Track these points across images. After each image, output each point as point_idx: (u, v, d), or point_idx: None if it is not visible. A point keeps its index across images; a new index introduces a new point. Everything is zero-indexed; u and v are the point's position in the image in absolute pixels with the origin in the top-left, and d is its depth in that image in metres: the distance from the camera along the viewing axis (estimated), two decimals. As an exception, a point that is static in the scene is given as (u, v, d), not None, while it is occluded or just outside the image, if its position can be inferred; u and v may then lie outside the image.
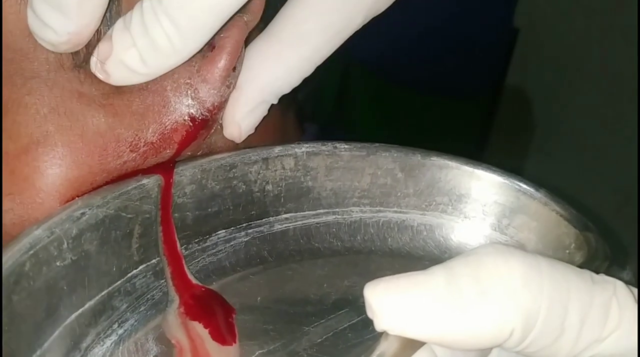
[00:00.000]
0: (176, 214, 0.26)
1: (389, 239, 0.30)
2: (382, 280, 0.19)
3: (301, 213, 0.29)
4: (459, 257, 0.19)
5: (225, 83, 0.26)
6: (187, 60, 0.25)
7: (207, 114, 0.26)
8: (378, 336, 0.24)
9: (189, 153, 0.27)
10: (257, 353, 0.24)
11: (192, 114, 0.26)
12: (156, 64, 0.24)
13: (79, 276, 0.23)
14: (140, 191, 0.25)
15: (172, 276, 0.25)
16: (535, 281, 0.19)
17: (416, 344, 0.19)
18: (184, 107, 0.26)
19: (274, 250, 0.28)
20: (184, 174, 0.26)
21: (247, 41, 0.27)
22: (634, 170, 0.87)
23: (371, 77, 0.96)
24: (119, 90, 0.25)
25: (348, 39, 0.27)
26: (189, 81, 0.26)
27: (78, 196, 0.25)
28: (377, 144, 0.29)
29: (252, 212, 0.28)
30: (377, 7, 0.26)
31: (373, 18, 0.27)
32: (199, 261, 0.27)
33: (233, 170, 0.27)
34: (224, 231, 0.28)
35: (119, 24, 0.24)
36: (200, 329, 0.24)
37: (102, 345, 0.23)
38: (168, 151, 0.26)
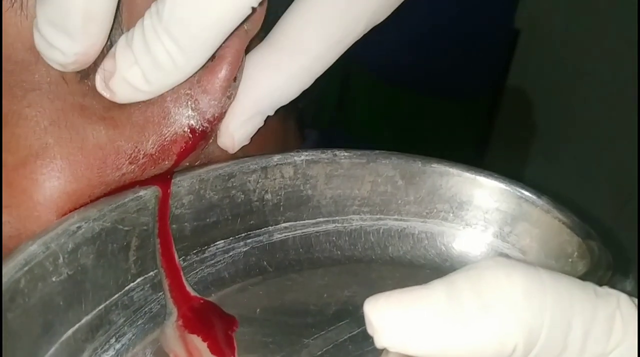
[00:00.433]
0: (174, 225, 0.26)
1: (390, 248, 0.29)
2: (382, 295, 0.19)
3: (301, 222, 0.29)
4: (460, 270, 0.19)
5: (226, 94, 0.26)
6: None
7: (207, 125, 0.26)
8: (379, 349, 0.24)
9: (187, 163, 0.27)
10: None
11: (192, 125, 0.26)
12: (159, 82, 0.24)
13: (76, 290, 0.23)
14: (137, 203, 0.25)
15: (170, 288, 0.25)
16: (538, 295, 0.18)
17: (417, 360, 0.19)
18: (184, 118, 0.26)
19: (274, 260, 0.28)
20: (182, 184, 0.26)
21: (247, 50, 0.27)
22: (634, 171, 0.86)
23: (372, 78, 0.96)
24: (120, 103, 0.25)
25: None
26: (189, 92, 0.25)
27: (75, 209, 0.24)
28: (377, 152, 0.29)
29: (251, 222, 0.28)
30: (377, 16, 0.26)
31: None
32: (197, 272, 0.27)
33: (231, 179, 0.27)
34: (222, 241, 0.27)
35: (121, 41, 0.24)
36: (198, 342, 0.24)
37: None
38: (167, 163, 0.26)
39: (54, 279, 0.22)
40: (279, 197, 0.28)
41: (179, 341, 0.24)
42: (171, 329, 0.24)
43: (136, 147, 0.25)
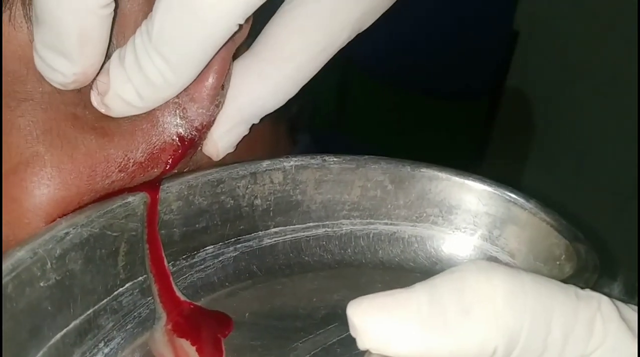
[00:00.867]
0: (163, 231, 0.26)
1: (380, 252, 0.29)
2: (366, 298, 0.19)
3: (290, 227, 0.29)
4: (443, 274, 0.19)
5: (214, 102, 0.26)
6: None
7: (195, 133, 0.26)
8: (362, 351, 0.24)
9: (175, 170, 0.27)
10: None
11: (180, 133, 0.26)
12: (152, 98, 0.24)
13: (64, 295, 0.23)
14: (125, 209, 0.25)
15: (159, 293, 0.25)
16: (518, 298, 0.18)
17: (400, 362, 0.19)
18: (173, 126, 0.26)
19: (263, 265, 0.28)
20: (171, 190, 0.26)
21: (234, 57, 0.27)
22: (634, 172, 0.86)
23: (371, 80, 0.96)
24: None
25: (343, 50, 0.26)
26: (177, 101, 0.26)
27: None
28: (366, 157, 0.29)
29: (241, 227, 0.28)
30: (361, 24, 0.26)
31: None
32: (186, 277, 0.27)
33: (220, 185, 0.27)
34: (212, 246, 0.28)
35: (114, 59, 0.24)
36: (187, 347, 0.24)
37: None
38: (156, 170, 0.26)
39: (41, 284, 0.22)
40: (268, 202, 0.29)
41: (168, 345, 0.24)
42: (160, 333, 0.24)
43: (126, 156, 0.26)
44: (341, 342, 0.25)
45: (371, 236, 0.30)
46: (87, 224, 0.24)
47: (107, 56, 0.24)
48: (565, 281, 0.20)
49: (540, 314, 0.18)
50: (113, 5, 0.23)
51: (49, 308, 0.22)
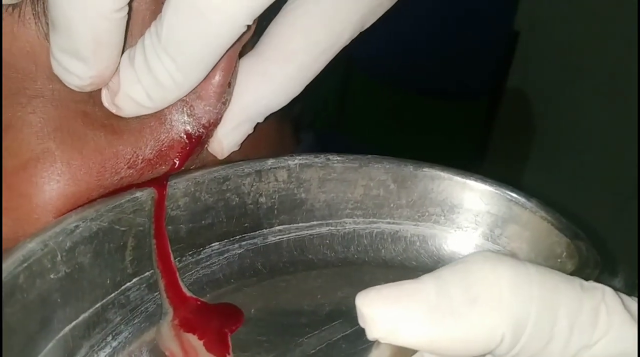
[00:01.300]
0: (170, 227, 0.26)
1: (383, 250, 0.30)
2: (374, 289, 0.19)
3: (295, 225, 0.29)
4: (449, 265, 0.20)
5: (221, 99, 0.26)
6: None
7: (203, 130, 0.27)
8: (371, 347, 0.24)
9: (183, 167, 0.27)
10: None
11: (188, 130, 0.26)
12: (161, 98, 0.25)
13: (73, 288, 0.23)
14: (133, 204, 0.25)
15: (166, 289, 0.26)
16: (524, 287, 0.19)
17: (408, 353, 0.19)
18: (180, 124, 0.26)
19: (268, 262, 0.28)
20: (177, 186, 0.26)
21: (241, 54, 0.27)
22: (634, 172, 0.87)
23: (372, 80, 0.97)
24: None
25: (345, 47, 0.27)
26: (184, 98, 0.26)
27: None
28: (369, 156, 0.30)
29: (246, 225, 0.28)
30: (364, 23, 0.26)
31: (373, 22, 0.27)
32: (192, 273, 0.27)
33: (226, 182, 0.28)
34: (217, 243, 0.28)
35: (124, 59, 0.25)
36: (194, 341, 0.24)
37: None
38: (164, 167, 0.27)
39: (52, 276, 0.22)
40: (273, 200, 0.29)
41: (175, 339, 0.24)
42: (167, 328, 0.25)
43: (135, 152, 0.26)
44: (346, 338, 0.26)
45: (374, 234, 0.30)
46: (96, 218, 0.24)
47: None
48: (565, 276, 0.20)
49: (546, 303, 0.19)
50: (126, 9, 0.23)
51: (59, 300, 0.22)
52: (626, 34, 0.97)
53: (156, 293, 0.26)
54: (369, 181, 0.30)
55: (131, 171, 0.26)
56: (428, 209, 0.30)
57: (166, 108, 0.26)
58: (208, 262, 0.27)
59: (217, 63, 0.26)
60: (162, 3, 0.23)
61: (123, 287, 0.25)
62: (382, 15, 0.27)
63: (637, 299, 0.20)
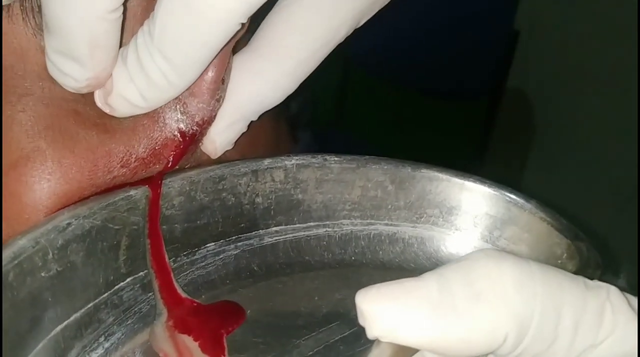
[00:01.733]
0: (164, 226, 0.26)
1: (380, 252, 0.29)
2: (374, 287, 0.19)
3: (291, 226, 0.29)
4: (451, 263, 0.19)
5: (215, 96, 0.26)
6: None
7: (196, 128, 0.26)
8: (370, 349, 0.24)
9: (177, 166, 0.27)
10: None
11: (181, 128, 0.26)
12: (155, 98, 0.24)
13: (65, 287, 0.22)
14: (127, 202, 0.25)
15: (160, 289, 0.25)
16: (528, 285, 0.18)
17: (409, 352, 0.19)
18: (174, 122, 0.26)
19: (264, 263, 0.28)
20: (172, 185, 0.26)
21: (234, 51, 0.27)
22: (634, 172, 0.87)
23: (371, 79, 0.97)
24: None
25: (345, 42, 0.26)
26: (177, 96, 0.26)
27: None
28: (367, 157, 0.29)
29: (242, 225, 0.28)
30: (360, 18, 0.26)
31: (372, 20, 0.27)
32: (187, 273, 0.27)
33: (222, 182, 0.27)
34: (213, 243, 0.27)
35: (117, 59, 0.24)
36: (189, 342, 0.24)
37: None
38: (158, 166, 0.26)
39: (43, 274, 0.22)
40: (269, 200, 0.28)
41: (169, 340, 0.24)
42: (161, 329, 0.24)
43: (128, 151, 0.25)
44: (344, 340, 0.25)
45: (372, 236, 0.29)
46: (89, 216, 0.23)
47: None
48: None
49: (550, 301, 0.18)
50: (121, 9, 0.22)
51: (50, 299, 0.22)
52: (626, 34, 0.98)
53: (150, 294, 0.25)
54: (367, 181, 0.29)
55: (124, 170, 0.25)
56: (426, 211, 0.29)
57: (160, 106, 0.26)
58: (203, 263, 0.27)
59: None
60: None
61: (116, 287, 0.24)
62: (380, 11, 0.27)
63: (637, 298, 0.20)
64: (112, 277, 0.24)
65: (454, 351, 0.18)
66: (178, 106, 0.26)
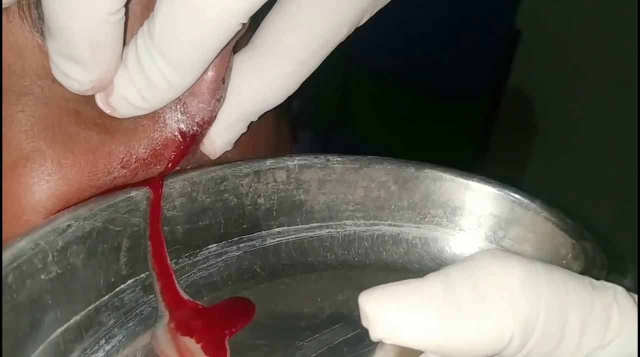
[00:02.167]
0: (166, 228, 0.26)
1: (384, 253, 0.29)
2: (377, 288, 0.19)
3: (294, 227, 0.29)
4: (456, 264, 0.19)
5: (215, 96, 0.26)
6: None
7: (197, 128, 0.26)
8: (374, 350, 0.23)
9: (178, 167, 0.27)
10: None
11: (182, 129, 0.26)
12: (155, 99, 0.24)
13: (65, 289, 0.22)
14: (128, 204, 0.24)
15: (161, 291, 0.25)
16: (533, 285, 0.18)
17: (413, 354, 0.19)
18: (174, 122, 0.26)
19: (267, 264, 0.28)
20: (174, 186, 0.26)
21: (234, 50, 0.26)
22: (634, 172, 0.87)
23: (372, 79, 0.96)
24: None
25: (346, 42, 0.26)
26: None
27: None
28: (369, 157, 0.29)
29: (244, 226, 0.28)
30: (361, 17, 0.26)
31: (373, 20, 0.26)
32: (189, 275, 0.26)
33: (224, 183, 0.27)
34: (215, 245, 0.27)
35: None
36: (191, 344, 0.23)
37: None
38: (158, 167, 0.26)
39: (42, 276, 0.21)
40: (271, 201, 0.28)
41: (171, 343, 0.23)
42: (162, 331, 0.24)
43: (128, 151, 0.25)
44: (347, 341, 0.25)
45: (375, 236, 0.29)
46: (90, 217, 0.23)
47: None
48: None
49: (556, 302, 0.18)
50: (123, 11, 0.22)
51: (50, 302, 0.22)
52: (626, 34, 0.97)
53: (151, 296, 0.25)
54: (370, 182, 0.29)
55: (125, 171, 0.25)
56: (430, 211, 0.29)
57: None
58: (205, 265, 0.27)
59: None
60: None
61: (117, 289, 0.24)
62: (381, 11, 0.26)
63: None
64: (113, 279, 0.24)
65: (459, 353, 0.18)
66: (178, 106, 0.26)
